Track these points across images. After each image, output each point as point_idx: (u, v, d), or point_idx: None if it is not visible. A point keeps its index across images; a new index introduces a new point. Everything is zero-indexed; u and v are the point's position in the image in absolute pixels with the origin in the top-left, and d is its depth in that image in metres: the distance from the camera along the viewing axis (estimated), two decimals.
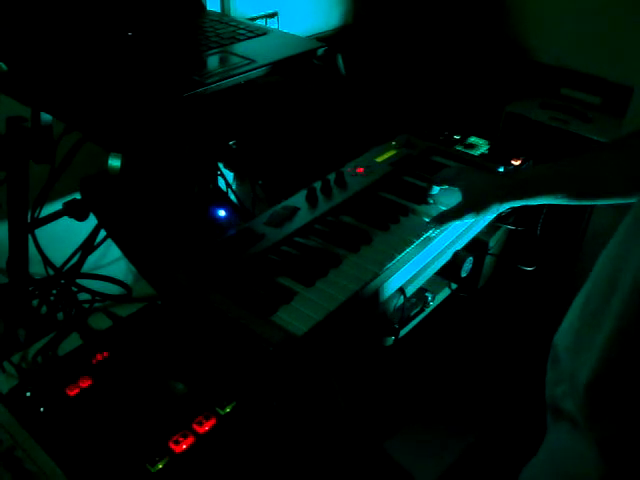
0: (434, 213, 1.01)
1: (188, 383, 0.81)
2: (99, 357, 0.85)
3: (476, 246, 1.11)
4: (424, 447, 1.43)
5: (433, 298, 1.05)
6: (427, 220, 1.00)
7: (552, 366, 0.71)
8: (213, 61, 0.89)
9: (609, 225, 0.82)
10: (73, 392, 0.80)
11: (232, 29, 1.00)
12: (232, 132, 1.05)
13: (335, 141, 1.33)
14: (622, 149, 0.81)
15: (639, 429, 0.57)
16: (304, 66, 0.94)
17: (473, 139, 1.29)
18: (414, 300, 1.01)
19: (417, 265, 0.95)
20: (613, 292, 0.58)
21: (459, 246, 1.04)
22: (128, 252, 1.01)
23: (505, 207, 0.95)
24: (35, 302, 1.06)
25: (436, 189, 1.07)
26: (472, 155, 1.23)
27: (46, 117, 0.88)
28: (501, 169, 1.16)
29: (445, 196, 1.06)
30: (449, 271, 1.03)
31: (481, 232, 1.10)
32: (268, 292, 0.85)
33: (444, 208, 1.01)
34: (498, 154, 1.24)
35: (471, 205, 0.96)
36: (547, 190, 0.89)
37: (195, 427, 0.75)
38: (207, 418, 0.76)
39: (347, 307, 0.84)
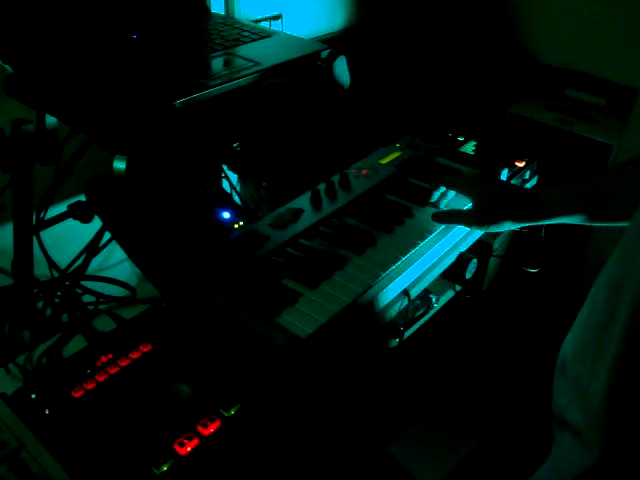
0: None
1: (192, 385, 0.81)
2: (103, 359, 0.85)
3: (480, 248, 1.11)
4: (427, 450, 1.42)
5: (437, 300, 1.05)
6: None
7: (558, 375, 0.70)
8: (217, 63, 0.89)
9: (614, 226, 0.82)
10: (78, 394, 0.80)
11: (236, 31, 1.00)
12: (236, 134, 1.05)
13: (339, 143, 1.33)
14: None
15: None
16: (308, 68, 0.94)
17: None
18: (418, 302, 1.01)
19: (421, 267, 0.95)
20: (614, 315, 0.57)
21: (463, 248, 1.04)
22: (132, 254, 1.01)
23: (518, 227, 0.93)
24: (40, 304, 1.06)
25: (440, 192, 1.06)
26: (475, 157, 1.22)
27: (51, 120, 0.88)
28: (505, 171, 1.16)
29: (454, 201, 1.05)
30: (453, 273, 1.03)
31: (485, 234, 1.10)
32: (272, 294, 0.85)
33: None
34: (502, 156, 1.23)
35: (481, 220, 0.94)
36: (565, 212, 0.86)
37: (200, 429, 0.75)
38: (212, 420, 0.76)
39: (351, 309, 0.84)
